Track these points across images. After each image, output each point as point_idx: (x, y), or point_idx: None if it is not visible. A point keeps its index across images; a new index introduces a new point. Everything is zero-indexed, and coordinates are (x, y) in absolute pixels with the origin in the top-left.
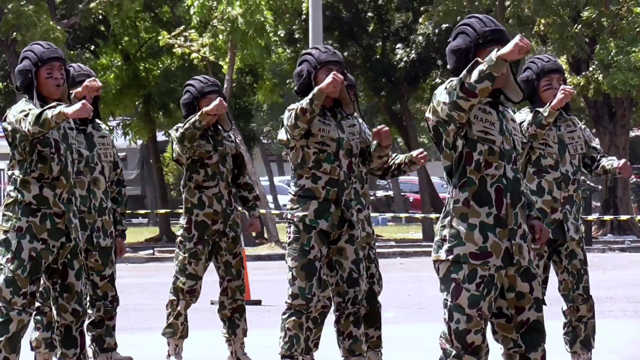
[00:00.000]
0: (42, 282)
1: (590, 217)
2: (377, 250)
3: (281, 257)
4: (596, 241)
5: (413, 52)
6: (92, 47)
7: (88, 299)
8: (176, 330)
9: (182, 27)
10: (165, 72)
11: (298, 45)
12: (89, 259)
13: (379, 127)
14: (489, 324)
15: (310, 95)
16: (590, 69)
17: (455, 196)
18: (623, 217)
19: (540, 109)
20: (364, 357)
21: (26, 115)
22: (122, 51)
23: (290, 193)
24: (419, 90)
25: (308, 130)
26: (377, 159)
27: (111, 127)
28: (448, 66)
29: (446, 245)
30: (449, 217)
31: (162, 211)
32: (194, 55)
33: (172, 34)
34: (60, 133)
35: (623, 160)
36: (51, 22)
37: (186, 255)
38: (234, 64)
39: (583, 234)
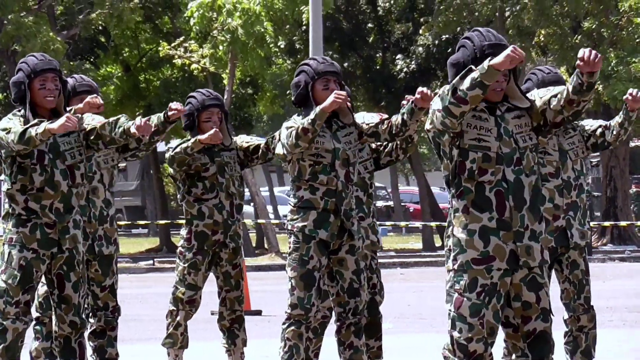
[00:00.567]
0: (43, 291)
1: (591, 224)
2: (378, 260)
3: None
4: (596, 251)
5: (413, 62)
6: (93, 58)
7: (89, 309)
8: (176, 341)
9: (182, 38)
10: (165, 83)
11: (298, 56)
12: (89, 269)
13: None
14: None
15: (312, 115)
16: None
17: (454, 205)
18: (623, 223)
19: None
20: None
21: (8, 133)
22: (122, 62)
23: (290, 204)
24: None
25: None
26: (414, 124)
27: None
28: (449, 79)
29: (452, 255)
30: (451, 227)
31: (162, 222)
32: (194, 66)
33: (172, 45)
34: (48, 143)
35: (629, 95)
36: (51, 33)
37: (186, 265)
38: (234, 75)
39: (589, 240)
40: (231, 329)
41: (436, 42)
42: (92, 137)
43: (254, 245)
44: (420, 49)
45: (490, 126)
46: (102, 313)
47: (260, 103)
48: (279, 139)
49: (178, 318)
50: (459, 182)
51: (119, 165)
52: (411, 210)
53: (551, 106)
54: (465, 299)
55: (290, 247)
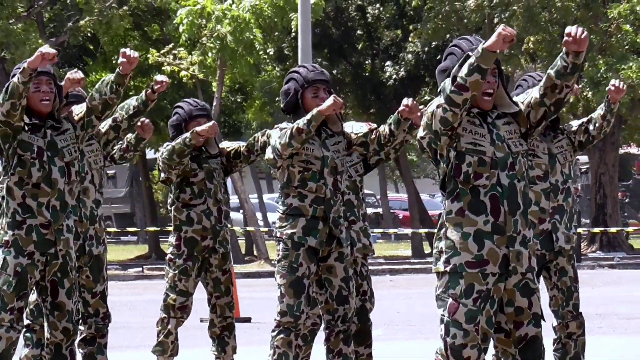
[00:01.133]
0: (34, 299)
1: (579, 230)
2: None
3: (271, 275)
4: (585, 258)
5: (402, 69)
6: (82, 65)
7: (79, 315)
8: (166, 349)
9: (171, 45)
10: None
11: (287, 63)
12: (80, 275)
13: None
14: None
15: (308, 116)
16: (580, 86)
17: (448, 207)
18: (612, 230)
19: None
20: None
21: None
22: (111, 69)
23: (278, 211)
24: None
25: None
26: (402, 133)
27: None
28: (438, 86)
29: (443, 257)
30: (443, 229)
31: (152, 229)
32: (183, 73)
33: (162, 52)
34: (46, 141)
35: (612, 86)
36: (40, 40)
37: (176, 272)
38: (223, 82)
39: (574, 244)
40: (221, 336)
41: (425, 49)
42: (86, 119)
43: (243, 252)
44: (410, 55)
45: (484, 132)
46: (93, 320)
47: (249, 111)
48: (268, 143)
49: (169, 326)
50: (455, 184)
51: (108, 172)
52: (400, 218)
53: (532, 101)
54: (461, 304)
55: (279, 255)
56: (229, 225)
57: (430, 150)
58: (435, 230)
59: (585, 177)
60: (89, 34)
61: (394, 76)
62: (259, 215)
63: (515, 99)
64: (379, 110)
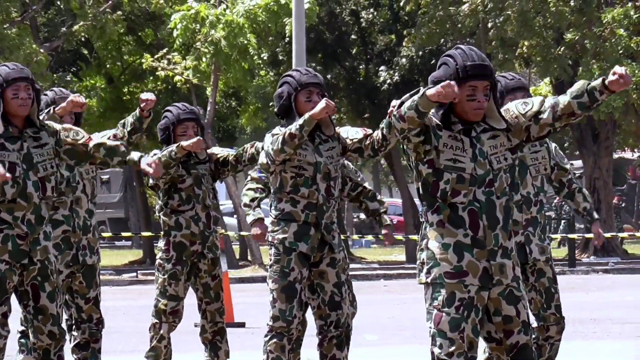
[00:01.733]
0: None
1: (573, 235)
2: (361, 272)
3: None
4: (580, 263)
5: (396, 74)
6: (76, 70)
7: (71, 320)
8: (159, 354)
9: (165, 50)
10: None
11: (282, 67)
12: (73, 281)
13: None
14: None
15: (300, 121)
16: None
17: (430, 219)
18: (607, 235)
19: None
20: None
21: None
22: (105, 74)
23: (270, 216)
24: None
25: None
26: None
27: None
28: None
29: (425, 268)
30: (425, 240)
31: (146, 234)
32: (177, 78)
33: (156, 56)
34: (22, 154)
35: (598, 232)
36: (34, 45)
37: (166, 277)
38: (218, 87)
39: (550, 254)
40: (213, 341)
41: (419, 53)
42: (78, 154)
43: (237, 257)
44: (404, 60)
45: (465, 147)
46: (86, 325)
47: (244, 116)
48: (256, 154)
49: (161, 331)
50: (433, 199)
51: (102, 177)
52: (394, 223)
53: (541, 121)
54: (444, 314)
55: (271, 259)
56: (224, 231)
57: (405, 155)
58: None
59: (579, 182)
60: (82, 39)
61: (388, 81)
62: None
63: (511, 107)
64: (373, 115)
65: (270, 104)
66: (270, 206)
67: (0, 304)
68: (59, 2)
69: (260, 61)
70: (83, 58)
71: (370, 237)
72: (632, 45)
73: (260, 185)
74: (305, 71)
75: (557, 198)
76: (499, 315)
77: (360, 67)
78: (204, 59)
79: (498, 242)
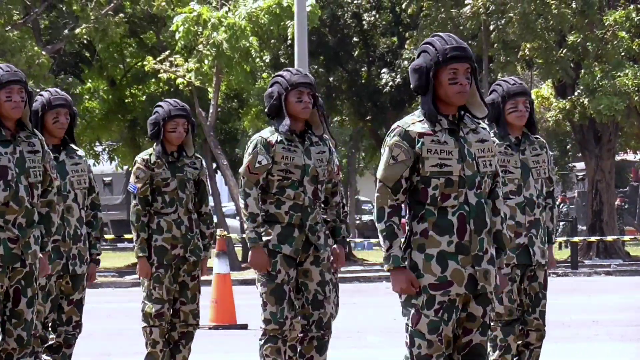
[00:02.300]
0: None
1: (576, 239)
2: (363, 274)
3: None
4: (582, 265)
5: (398, 76)
6: (78, 73)
7: (51, 323)
8: (156, 358)
9: (167, 52)
10: (150, 97)
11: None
12: (60, 281)
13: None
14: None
15: (254, 237)
16: (576, 93)
17: (413, 228)
18: (609, 238)
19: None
20: None
21: None
22: (107, 76)
23: None
24: (404, 115)
25: (272, 157)
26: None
27: (97, 153)
28: (411, 85)
29: None
30: (408, 250)
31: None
32: (179, 80)
33: (158, 59)
34: (15, 157)
35: (551, 257)
36: (36, 48)
37: (150, 280)
38: (220, 89)
39: (547, 258)
40: (177, 342)
41: None
42: (42, 182)
43: (239, 259)
44: (406, 62)
45: (450, 148)
46: (64, 329)
47: (245, 118)
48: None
49: (152, 336)
50: (421, 206)
51: (104, 179)
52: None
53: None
54: (423, 315)
55: None
56: (226, 233)
57: None
58: None
59: (581, 184)
60: (85, 42)
61: (390, 83)
62: None
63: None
64: (375, 117)
65: None
66: None
67: None
68: (61, 5)
69: (262, 64)
70: (85, 60)
71: (372, 240)
72: (633, 47)
73: None
74: (295, 71)
75: (559, 200)
76: (465, 311)
77: (362, 69)
78: (206, 62)
79: (483, 247)
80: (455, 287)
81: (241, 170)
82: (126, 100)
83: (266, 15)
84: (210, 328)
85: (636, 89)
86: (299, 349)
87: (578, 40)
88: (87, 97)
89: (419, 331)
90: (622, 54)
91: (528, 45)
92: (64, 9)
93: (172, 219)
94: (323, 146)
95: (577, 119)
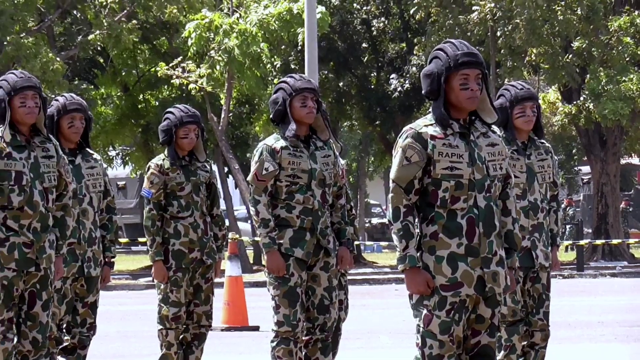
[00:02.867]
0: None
1: (581, 242)
2: (373, 277)
3: None
4: (588, 267)
5: (407, 82)
6: (91, 78)
7: (65, 325)
8: None
9: (179, 58)
10: (163, 102)
11: None
12: (76, 284)
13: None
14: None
15: (265, 248)
16: (582, 98)
17: (423, 231)
18: (615, 242)
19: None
20: None
21: None
22: (121, 82)
23: None
24: (413, 120)
25: (279, 163)
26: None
27: (111, 157)
28: (422, 90)
29: None
30: (419, 252)
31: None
32: (191, 86)
33: (170, 65)
34: (29, 163)
35: (555, 259)
36: (50, 54)
37: (167, 284)
38: (231, 95)
39: (551, 261)
40: (191, 343)
41: None
42: (57, 187)
43: (251, 262)
44: (414, 68)
45: (461, 152)
46: (78, 330)
47: (257, 123)
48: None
49: (168, 338)
50: (431, 208)
51: (118, 183)
52: None
53: (504, 189)
54: (434, 316)
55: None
56: (238, 236)
57: None
58: None
59: (587, 187)
60: (98, 48)
61: (399, 88)
62: None
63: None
64: (384, 121)
65: None
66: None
67: (7, 309)
68: (75, 12)
69: (273, 69)
70: (99, 66)
71: (381, 243)
72: (638, 52)
73: None
74: (299, 77)
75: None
76: (475, 312)
77: (372, 75)
78: (217, 67)
79: (492, 250)
80: (465, 288)
81: (249, 178)
82: (139, 106)
83: (277, 22)
84: (222, 329)
85: None
86: (304, 352)
87: (583, 46)
88: (100, 102)
89: (430, 332)
90: (627, 59)
91: (534, 51)
92: (78, 15)
93: (189, 223)
94: (328, 150)
95: (583, 123)
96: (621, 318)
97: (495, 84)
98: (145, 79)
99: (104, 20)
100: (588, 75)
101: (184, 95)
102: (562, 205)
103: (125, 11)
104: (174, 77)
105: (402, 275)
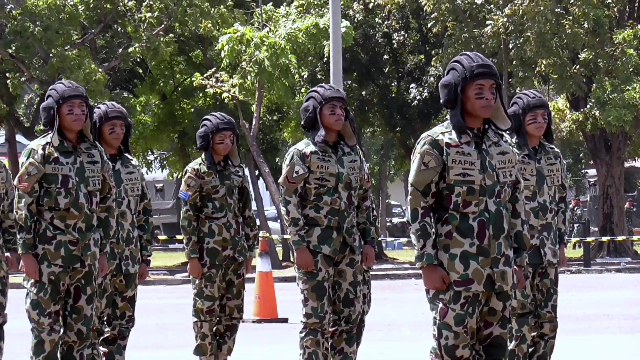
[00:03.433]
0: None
1: (588, 239)
2: (394, 272)
3: None
4: (594, 263)
5: (425, 91)
6: (131, 88)
7: (106, 317)
8: (205, 350)
9: (213, 69)
10: (198, 110)
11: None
12: (115, 279)
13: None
14: None
15: (296, 245)
16: (588, 105)
17: (438, 230)
18: (620, 238)
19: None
20: None
21: (20, 198)
22: (158, 91)
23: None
24: (431, 126)
25: (308, 167)
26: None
27: (150, 161)
28: (440, 100)
29: None
30: (434, 250)
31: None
32: (224, 94)
33: (205, 75)
34: (75, 167)
35: (563, 257)
36: (93, 65)
37: (202, 279)
38: (262, 103)
39: (559, 257)
40: (223, 334)
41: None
42: (102, 190)
43: (280, 258)
44: (432, 78)
45: (473, 159)
46: (118, 322)
47: (286, 129)
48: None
49: (203, 329)
50: (445, 210)
51: (156, 185)
52: None
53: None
54: (449, 309)
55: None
56: (268, 234)
57: None
58: None
59: (593, 189)
60: (138, 59)
61: (418, 97)
62: None
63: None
64: (403, 128)
65: None
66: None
67: (54, 303)
68: (115, 26)
69: (300, 79)
70: (138, 77)
71: (401, 239)
72: None
73: None
74: (328, 87)
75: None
76: (487, 305)
77: (392, 84)
78: (249, 77)
79: (501, 251)
80: (475, 284)
81: (280, 180)
82: (176, 113)
83: (304, 36)
84: (253, 321)
85: None
86: (330, 342)
87: (590, 57)
88: (139, 110)
89: (446, 324)
90: (631, 69)
91: (544, 62)
92: (118, 29)
93: (222, 223)
94: (355, 155)
95: (589, 129)
96: (626, 311)
97: (508, 93)
98: (182, 89)
99: (143, 34)
100: (594, 85)
101: (217, 103)
102: (570, 206)
103: (162, 25)
104: (208, 86)
105: (421, 272)
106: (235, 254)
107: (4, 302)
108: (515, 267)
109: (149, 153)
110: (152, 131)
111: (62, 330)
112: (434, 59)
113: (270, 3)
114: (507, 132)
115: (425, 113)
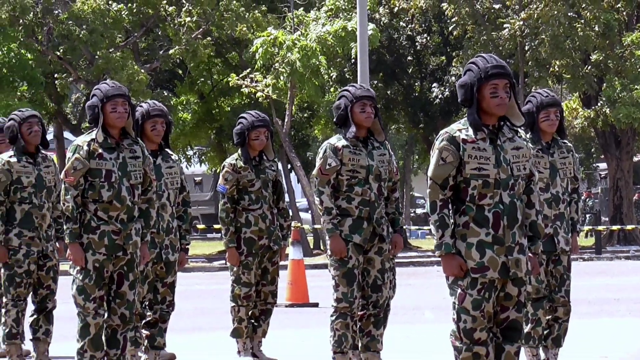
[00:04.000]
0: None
1: (599, 228)
2: (417, 259)
3: None
4: (605, 251)
5: (446, 90)
6: (172, 88)
7: (147, 302)
8: (241, 333)
9: (248, 70)
10: (234, 108)
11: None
12: (156, 266)
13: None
14: None
15: (329, 233)
16: (599, 103)
17: (457, 221)
18: (629, 227)
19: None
20: (378, 353)
21: (66, 191)
22: (197, 91)
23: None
24: (451, 123)
25: (340, 160)
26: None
27: (189, 156)
28: (458, 99)
29: None
30: (453, 239)
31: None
32: (259, 94)
33: (240, 75)
34: (118, 163)
35: (575, 244)
36: (136, 67)
37: (239, 267)
38: (293, 101)
39: (572, 245)
40: (258, 318)
41: None
42: (142, 183)
43: (311, 247)
44: (453, 78)
45: (488, 155)
46: (159, 307)
47: (316, 127)
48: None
49: (240, 313)
50: (462, 202)
51: (195, 178)
52: None
53: (531, 181)
54: (467, 294)
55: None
56: (300, 224)
57: None
58: None
59: (604, 181)
60: (177, 61)
61: (440, 96)
62: None
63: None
64: (426, 125)
65: None
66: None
67: (98, 288)
68: (157, 30)
69: (329, 79)
70: (178, 77)
71: (425, 228)
72: None
73: None
74: (359, 86)
75: (584, 195)
76: (503, 291)
77: (416, 84)
78: (281, 78)
79: (515, 240)
80: (490, 272)
81: (314, 172)
82: (213, 111)
83: (333, 38)
84: (286, 306)
85: None
86: (359, 325)
87: (600, 58)
88: (180, 108)
89: (464, 308)
90: (639, 69)
91: (558, 63)
92: (159, 33)
93: (258, 214)
94: (384, 150)
95: (600, 126)
96: (635, 295)
97: (524, 92)
98: (219, 88)
99: (182, 37)
100: (604, 84)
101: (252, 102)
102: (582, 197)
103: (201, 29)
104: (244, 86)
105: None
106: (270, 243)
107: (55, 289)
108: (530, 254)
109: (189, 149)
110: (191, 128)
111: (106, 315)
112: (454, 60)
113: (302, 8)
114: (522, 127)
115: (447, 111)
